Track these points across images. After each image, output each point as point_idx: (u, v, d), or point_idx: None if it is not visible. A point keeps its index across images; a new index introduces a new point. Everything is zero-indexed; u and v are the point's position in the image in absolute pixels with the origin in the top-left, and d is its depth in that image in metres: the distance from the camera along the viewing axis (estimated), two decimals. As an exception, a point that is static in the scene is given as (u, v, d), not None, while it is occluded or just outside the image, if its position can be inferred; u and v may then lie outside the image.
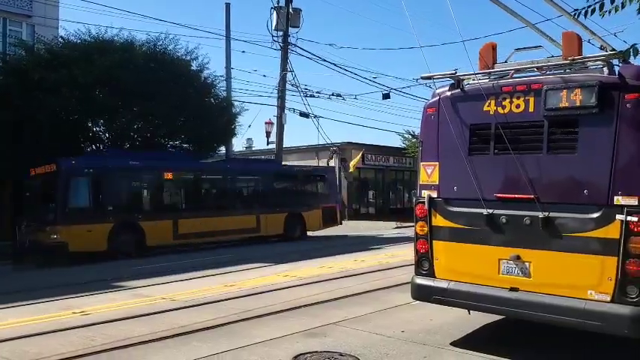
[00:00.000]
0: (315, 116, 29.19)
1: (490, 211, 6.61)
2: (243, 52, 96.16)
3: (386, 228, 29.26)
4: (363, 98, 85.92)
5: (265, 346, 7.39)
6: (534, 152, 6.44)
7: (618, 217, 5.74)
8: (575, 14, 6.29)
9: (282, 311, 9.46)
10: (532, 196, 6.31)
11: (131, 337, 7.94)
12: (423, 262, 7.34)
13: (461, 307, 7.31)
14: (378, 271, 13.99)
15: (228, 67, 27.14)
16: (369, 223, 32.15)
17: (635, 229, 5.67)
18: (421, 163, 7.45)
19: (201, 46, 54.24)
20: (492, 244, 6.64)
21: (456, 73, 7.07)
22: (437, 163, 7.22)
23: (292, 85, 28.12)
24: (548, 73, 6.62)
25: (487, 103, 6.72)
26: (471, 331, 8.07)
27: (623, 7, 5.80)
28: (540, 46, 7.13)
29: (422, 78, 7.65)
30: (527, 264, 6.38)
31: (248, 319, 8.92)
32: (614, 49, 6.32)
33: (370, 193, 41.69)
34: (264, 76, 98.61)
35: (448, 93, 7.16)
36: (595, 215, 5.92)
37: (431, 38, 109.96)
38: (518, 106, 6.53)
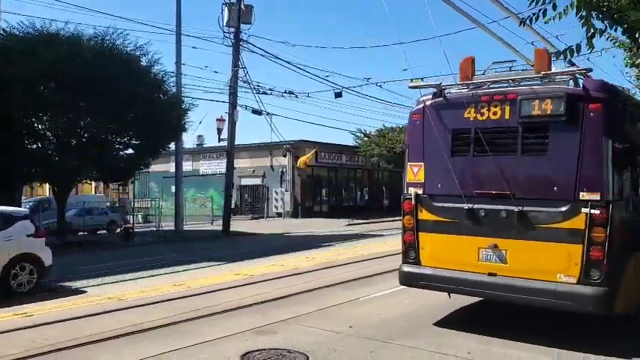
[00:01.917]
0: (268, 113, 29.26)
1: (470, 205, 7.58)
2: (194, 47, 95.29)
3: (338, 225, 29.56)
4: (316, 96, 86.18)
5: (214, 345, 7.48)
6: (510, 154, 7.44)
7: (584, 210, 6.73)
8: (522, 20, 6.66)
9: (232, 310, 9.55)
10: (508, 193, 7.31)
11: (79, 337, 7.89)
12: (410, 252, 8.21)
13: (444, 291, 8.34)
14: (328, 268, 14.20)
15: (178, 63, 26.85)
16: (321, 221, 32.43)
17: (597, 220, 6.66)
18: (408, 164, 8.36)
19: (151, 42, 53.42)
20: (472, 235, 7.61)
21: (440, 84, 8.05)
22: (422, 163, 8.18)
23: (244, 82, 28.10)
24: (521, 84, 7.54)
25: (467, 111, 7.72)
26: (417, 325, 8.37)
27: (565, 14, 6.21)
28: (514, 61, 8.15)
29: (410, 87, 8.70)
30: (503, 252, 7.37)
31: (198, 318, 8.98)
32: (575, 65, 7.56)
33: (323, 191, 42.01)
34: (216, 72, 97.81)
35: (432, 101, 8.14)
36: (563, 209, 6.91)
37: (384, 37, 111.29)
38: (495, 114, 7.55)
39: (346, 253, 17.36)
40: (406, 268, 8.28)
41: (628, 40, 7.55)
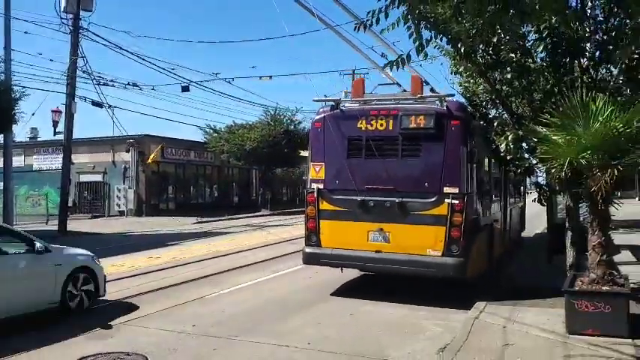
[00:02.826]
0: (110, 106, 27.77)
1: (362, 197, 9.74)
2: (27, 33, 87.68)
3: (186, 224, 28.98)
4: (162, 90, 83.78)
5: (48, 352, 7.03)
6: (392, 157, 9.70)
7: (447, 200, 9.07)
8: (357, 25, 7.01)
9: (66, 314, 9.02)
10: (391, 187, 9.56)
11: None
12: (312, 236, 10.18)
13: (341, 267, 10.61)
14: (174, 267, 13.93)
15: (7, 48, 24.56)
16: (168, 219, 31.54)
17: (456, 208, 9.05)
18: (311, 163, 10.38)
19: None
20: (363, 221, 9.74)
21: (339, 100, 10.45)
22: (323, 163, 10.20)
23: (84, 72, 26.42)
24: (400, 102, 9.86)
25: (359, 122, 9.87)
26: (260, 318, 8.54)
27: (398, 25, 6.68)
28: (398, 83, 10.73)
29: (314, 100, 10.87)
30: (387, 233, 9.61)
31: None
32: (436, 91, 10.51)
33: (170, 189, 40.86)
34: (52, 60, 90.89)
35: (331, 112, 10.21)
36: (432, 200, 9.27)
37: (233, 32, 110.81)
38: (381, 125, 9.78)
39: (193, 251, 17.12)
40: (309, 250, 10.25)
41: (452, 50, 8.27)
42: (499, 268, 11.78)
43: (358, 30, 6.74)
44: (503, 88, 9.06)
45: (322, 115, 10.30)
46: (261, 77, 34.41)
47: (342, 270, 10.80)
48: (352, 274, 11.78)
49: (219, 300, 10.17)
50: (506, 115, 9.44)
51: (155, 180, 38.14)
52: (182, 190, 41.43)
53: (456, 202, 9.07)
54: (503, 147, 8.62)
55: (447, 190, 9.14)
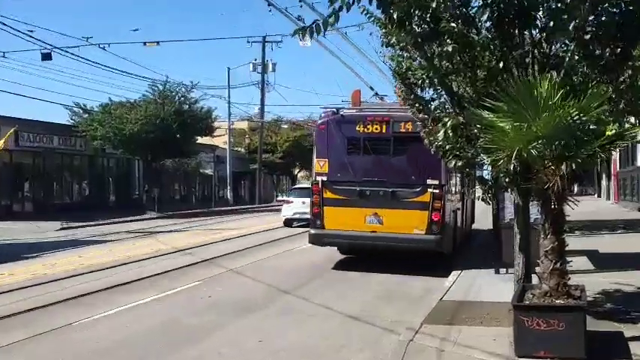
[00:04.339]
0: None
1: (360, 187, 14.99)
2: None
3: (48, 230, 28.04)
4: (14, 57, 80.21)
5: None
6: (385, 155, 15.15)
7: (429, 190, 14.34)
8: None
9: None
10: (384, 179, 14.85)
11: None
12: (317, 220, 15.47)
13: (341, 245, 16.64)
14: (30, 287, 13.49)
15: None
16: (25, 225, 30.33)
17: (436, 196, 14.43)
18: (316, 159, 15.80)
19: None
20: (361, 207, 14.98)
21: (339, 110, 15.92)
22: (326, 159, 15.51)
23: None
24: (391, 111, 15.13)
25: (358, 126, 15.27)
26: (143, 353, 8.42)
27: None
28: (386, 95, 15.51)
29: (321, 108, 16.34)
30: (381, 217, 14.86)
31: None
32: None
33: (26, 185, 39.38)
34: None
35: (333, 117, 15.65)
36: (418, 189, 14.62)
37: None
38: (377, 129, 15.19)
39: (59, 266, 16.66)
40: (314, 231, 15.69)
41: (383, 16, 8.39)
42: (459, 251, 17.31)
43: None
44: (443, 64, 9.29)
45: (326, 119, 15.83)
46: (145, 43, 33.84)
47: (338, 249, 17.40)
48: (258, 296, 11.84)
49: (92, 327, 9.98)
50: (445, 96, 9.71)
51: (6, 174, 36.61)
52: (42, 188, 40.01)
53: (437, 191, 14.57)
54: (441, 135, 8.90)
55: (429, 181, 14.56)
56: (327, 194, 15.23)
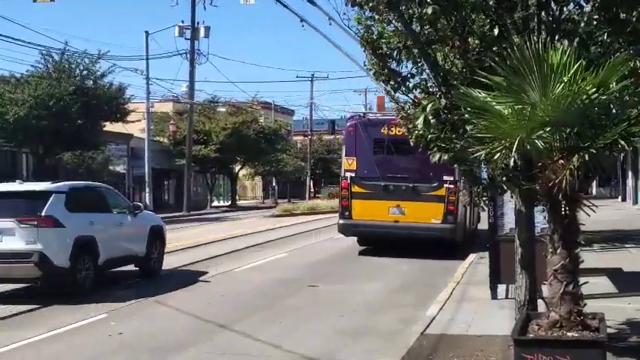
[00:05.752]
0: None
1: (384, 183, 22.92)
2: None
3: None
4: None
5: None
6: (407, 154, 21.73)
7: (445, 185, 22.23)
8: None
9: None
10: (406, 175, 22.92)
11: None
12: (345, 212, 23.42)
13: (367, 235, 24.56)
14: None
15: None
16: None
17: (452, 191, 22.30)
18: (345, 157, 23.86)
19: None
20: (385, 200, 22.98)
21: (365, 114, 27.67)
22: (355, 157, 23.31)
23: None
24: None
25: (383, 128, 22.97)
26: None
27: None
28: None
29: (349, 113, 24.08)
30: (403, 209, 22.83)
31: None
32: None
33: None
34: None
35: (360, 120, 24.41)
36: (435, 184, 22.52)
37: None
38: (399, 131, 19.44)
39: None
40: (342, 221, 23.57)
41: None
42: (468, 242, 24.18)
43: None
44: (424, 29, 9.25)
45: (355, 122, 23.90)
46: None
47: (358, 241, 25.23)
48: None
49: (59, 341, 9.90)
50: (427, 71, 9.67)
51: None
52: None
53: (452, 186, 21.79)
54: (420, 123, 8.85)
55: (445, 177, 21.59)
56: (355, 189, 22.93)
